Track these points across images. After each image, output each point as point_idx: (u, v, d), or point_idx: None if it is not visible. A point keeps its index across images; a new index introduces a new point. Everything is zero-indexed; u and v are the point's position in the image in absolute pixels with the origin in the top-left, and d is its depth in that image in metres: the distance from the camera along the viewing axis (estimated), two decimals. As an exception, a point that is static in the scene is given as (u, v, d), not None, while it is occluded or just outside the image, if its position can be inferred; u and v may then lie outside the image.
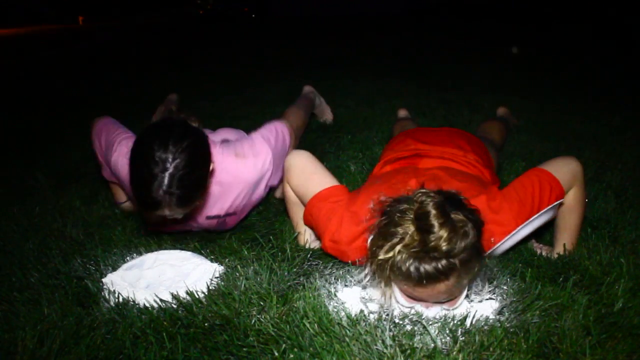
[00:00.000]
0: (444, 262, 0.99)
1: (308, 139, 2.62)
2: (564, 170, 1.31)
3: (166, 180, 1.23)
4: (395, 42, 7.55)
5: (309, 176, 1.41)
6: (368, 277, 1.16)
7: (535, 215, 1.24)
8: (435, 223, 0.98)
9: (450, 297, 1.11)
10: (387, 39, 8.06)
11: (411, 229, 1.00)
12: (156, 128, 1.33)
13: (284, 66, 5.44)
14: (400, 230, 1.01)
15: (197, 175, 1.32)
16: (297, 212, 1.51)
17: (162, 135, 1.28)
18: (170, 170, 1.24)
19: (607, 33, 8.00)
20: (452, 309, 1.15)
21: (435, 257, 0.99)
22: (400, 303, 1.14)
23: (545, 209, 1.24)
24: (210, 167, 1.39)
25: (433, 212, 0.99)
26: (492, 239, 1.23)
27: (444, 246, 0.97)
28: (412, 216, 1.01)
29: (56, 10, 19.30)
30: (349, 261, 1.34)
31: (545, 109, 3.21)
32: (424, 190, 1.04)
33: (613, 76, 4.40)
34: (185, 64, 6.11)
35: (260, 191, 1.64)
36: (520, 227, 1.23)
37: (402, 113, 2.73)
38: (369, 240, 1.13)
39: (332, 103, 3.43)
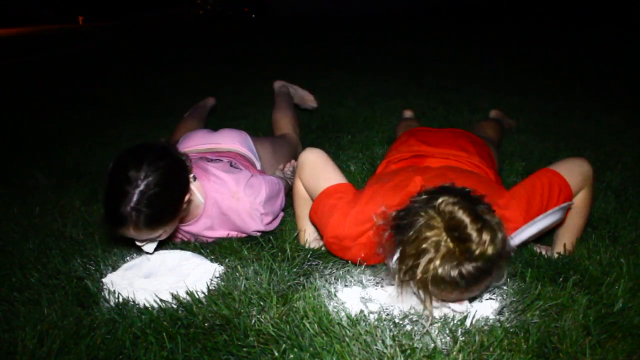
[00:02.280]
0: (482, 261, 0.99)
1: (308, 139, 2.62)
2: (575, 172, 1.31)
3: (135, 197, 1.22)
4: (395, 42, 7.55)
5: (319, 173, 1.42)
6: (397, 295, 1.14)
7: (543, 215, 1.23)
8: (474, 232, 0.97)
9: (489, 288, 1.11)
10: (388, 39, 8.06)
11: (444, 238, 0.98)
12: (134, 148, 1.33)
13: (284, 66, 5.44)
14: (432, 243, 0.99)
15: (169, 197, 1.30)
16: (303, 207, 1.52)
17: (138, 154, 1.28)
18: (141, 187, 1.23)
19: (607, 33, 8.00)
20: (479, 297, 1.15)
21: (479, 260, 0.98)
22: (434, 307, 1.12)
23: (553, 210, 1.23)
24: (186, 197, 1.36)
25: (468, 220, 0.97)
26: None
27: (490, 250, 0.97)
28: (442, 226, 0.99)
29: (56, 10, 19.31)
30: (350, 259, 1.34)
31: (545, 109, 3.21)
32: (444, 198, 1.02)
33: (613, 76, 4.40)
34: (185, 64, 6.11)
35: (251, 229, 1.58)
36: (527, 225, 1.22)
37: (408, 114, 2.74)
38: (392, 261, 1.09)
39: (332, 103, 3.44)
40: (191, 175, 1.41)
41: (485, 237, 0.97)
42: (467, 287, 1.02)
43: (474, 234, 0.97)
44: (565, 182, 1.28)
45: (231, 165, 1.64)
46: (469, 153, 1.54)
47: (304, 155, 1.48)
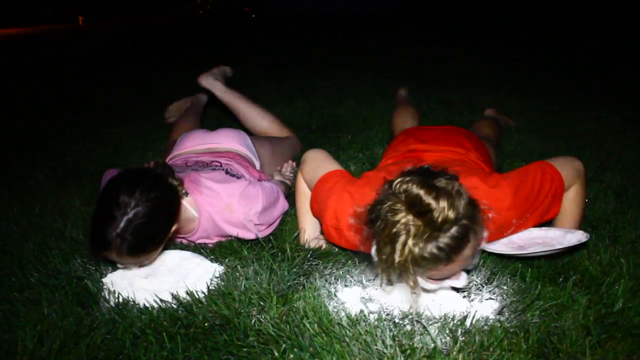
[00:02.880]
0: (456, 227, 0.99)
1: (308, 139, 2.61)
2: (567, 166, 1.34)
3: (122, 224, 1.21)
4: (396, 42, 7.55)
5: (319, 164, 1.46)
6: (384, 284, 1.14)
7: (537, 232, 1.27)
8: (431, 200, 0.98)
9: (474, 257, 1.10)
10: (387, 39, 8.06)
11: (409, 218, 1.00)
12: (130, 173, 1.33)
13: (284, 66, 5.44)
14: (400, 226, 1.00)
15: (155, 229, 1.29)
16: (304, 203, 1.53)
17: (133, 180, 1.27)
18: (129, 215, 1.22)
19: (607, 33, 8.00)
20: (473, 265, 1.15)
21: (447, 228, 0.99)
22: (428, 289, 1.13)
23: (546, 237, 1.25)
24: (173, 228, 1.36)
25: (422, 192, 0.98)
26: (490, 215, 1.22)
27: (451, 215, 0.98)
28: (404, 207, 1.00)
29: (56, 11, 19.31)
30: (349, 245, 1.33)
31: (545, 109, 3.21)
32: (399, 179, 1.03)
33: (613, 76, 4.40)
34: (185, 64, 6.11)
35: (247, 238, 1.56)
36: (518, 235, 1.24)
37: (403, 92, 2.87)
38: (373, 253, 1.10)
39: (332, 103, 3.44)
40: (182, 192, 1.41)
41: (443, 203, 0.98)
42: (449, 259, 1.02)
43: (432, 203, 0.98)
44: (557, 172, 1.31)
45: (227, 173, 1.62)
46: (466, 149, 1.55)
47: (306, 152, 1.53)
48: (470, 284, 1.28)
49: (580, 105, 3.29)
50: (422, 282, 1.09)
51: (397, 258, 1.01)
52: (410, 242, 0.99)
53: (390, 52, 6.41)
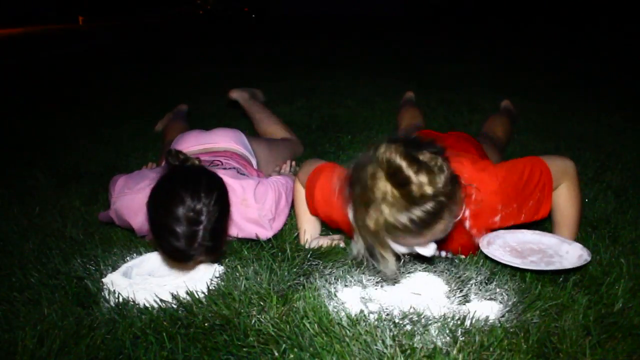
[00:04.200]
0: (431, 203, 1.01)
1: (308, 139, 2.61)
2: (556, 163, 1.35)
3: (200, 234, 1.22)
4: (396, 42, 7.55)
5: (312, 164, 1.50)
6: (362, 251, 1.16)
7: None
8: (411, 173, 1.00)
9: (446, 232, 1.12)
10: (387, 39, 8.06)
11: (388, 187, 1.02)
12: (184, 177, 1.30)
13: (284, 66, 5.44)
14: (378, 193, 1.02)
15: (226, 224, 1.34)
16: (302, 205, 1.54)
17: (191, 183, 1.26)
18: (204, 223, 1.23)
19: (607, 33, 8.00)
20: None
21: (422, 203, 1.01)
22: (400, 251, 1.16)
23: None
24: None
25: (403, 164, 1.00)
26: (473, 195, 1.25)
27: (428, 190, 1.00)
28: (383, 175, 1.02)
29: (56, 10, 19.29)
30: (339, 223, 1.37)
31: (545, 109, 3.21)
32: (384, 146, 1.04)
33: (613, 76, 4.40)
34: (185, 64, 6.11)
35: (262, 237, 1.58)
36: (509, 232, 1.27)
37: (409, 95, 2.92)
38: (350, 217, 1.13)
39: (332, 103, 3.44)
40: None
41: (422, 178, 0.99)
42: (420, 231, 1.05)
43: (412, 177, 0.99)
44: (546, 167, 1.32)
45: (238, 172, 1.65)
46: (471, 154, 1.57)
47: (305, 161, 1.57)
48: (438, 257, 1.34)
49: (580, 105, 3.29)
50: (391, 243, 1.11)
51: (370, 224, 1.04)
52: (385, 210, 1.02)
53: (390, 52, 6.41)
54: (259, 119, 2.46)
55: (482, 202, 1.25)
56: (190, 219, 1.21)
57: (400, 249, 1.14)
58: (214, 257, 1.34)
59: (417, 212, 1.01)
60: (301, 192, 1.53)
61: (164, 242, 1.24)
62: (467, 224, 1.30)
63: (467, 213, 1.28)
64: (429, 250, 1.14)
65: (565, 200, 1.37)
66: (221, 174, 1.54)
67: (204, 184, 1.27)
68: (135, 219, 1.52)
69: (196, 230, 1.22)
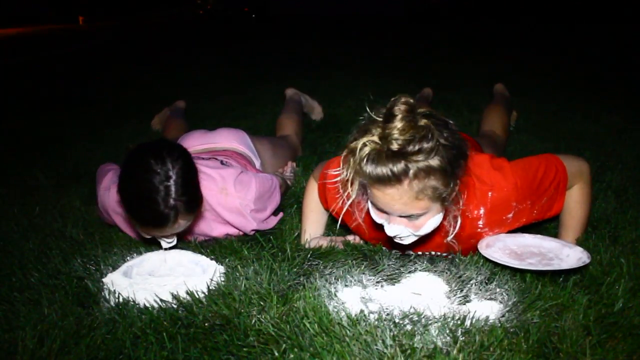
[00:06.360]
0: (399, 165, 1.02)
1: (308, 139, 2.61)
2: (573, 163, 1.35)
3: (173, 188, 1.24)
4: (395, 42, 7.55)
5: (324, 162, 1.51)
6: (343, 173, 1.18)
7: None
8: (398, 114, 1.02)
9: (407, 213, 1.12)
10: (387, 39, 8.06)
11: (374, 138, 1.05)
12: (144, 146, 1.33)
13: (284, 66, 5.44)
14: (373, 128, 1.06)
15: (196, 178, 1.35)
16: (309, 204, 1.55)
17: (154, 150, 1.28)
18: (174, 177, 1.25)
19: (607, 33, 8.00)
20: (416, 234, 1.18)
21: (391, 157, 1.02)
22: (372, 214, 1.19)
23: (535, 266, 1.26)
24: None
25: (401, 107, 1.03)
26: (490, 194, 1.25)
27: (395, 135, 1.01)
28: (375, 131, 1.05)
29: (56, 10, 19.28)
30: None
31: (545, 109, 3.21)
32: (405, 95, 1.07)
33: (613, 76, 4.40)
34: (185, 64, 6.11)
35: (247, 228, 1.59)
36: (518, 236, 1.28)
37: (426, 91, 3.02)
38: (342, 170, 1.17)
39: (332, 103, 3.43)
40: None
41: (399, 123, 1.01)
42: (374, 183, 1.06)
43: (397, 118, 1.02)
44: (562, 165, 1.32)
45: (221, 163, 1.65)
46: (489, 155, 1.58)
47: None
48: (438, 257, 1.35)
49: (580, 105, 3.28)
50: (372, 210, 1.15)
51: (351, 143, 1.08)
52: (365, 139, 1.05)
53: (390, 52, 6.41)
54: (286, 109, 2.61)
55: (497, 199, 1.26)
56: (160, 179, 1.24)
57: (378, 219, 1.17)
58: (192, 214, 1.35)
59: (381, 164, 1.03)
60: (310, 192, 1.54)
61: (141, 210, 1.27)
62: (481, 222, 1.31)
63: (482, 211, 1.28)
64: (393, 228, 1.16)
65: (576, 201, 1.37)
66: (199, 163, 1.55)
67: (165, 148, 1.30)
68: (117, 216, 1.56)
69: (168, 186, 1.24)
